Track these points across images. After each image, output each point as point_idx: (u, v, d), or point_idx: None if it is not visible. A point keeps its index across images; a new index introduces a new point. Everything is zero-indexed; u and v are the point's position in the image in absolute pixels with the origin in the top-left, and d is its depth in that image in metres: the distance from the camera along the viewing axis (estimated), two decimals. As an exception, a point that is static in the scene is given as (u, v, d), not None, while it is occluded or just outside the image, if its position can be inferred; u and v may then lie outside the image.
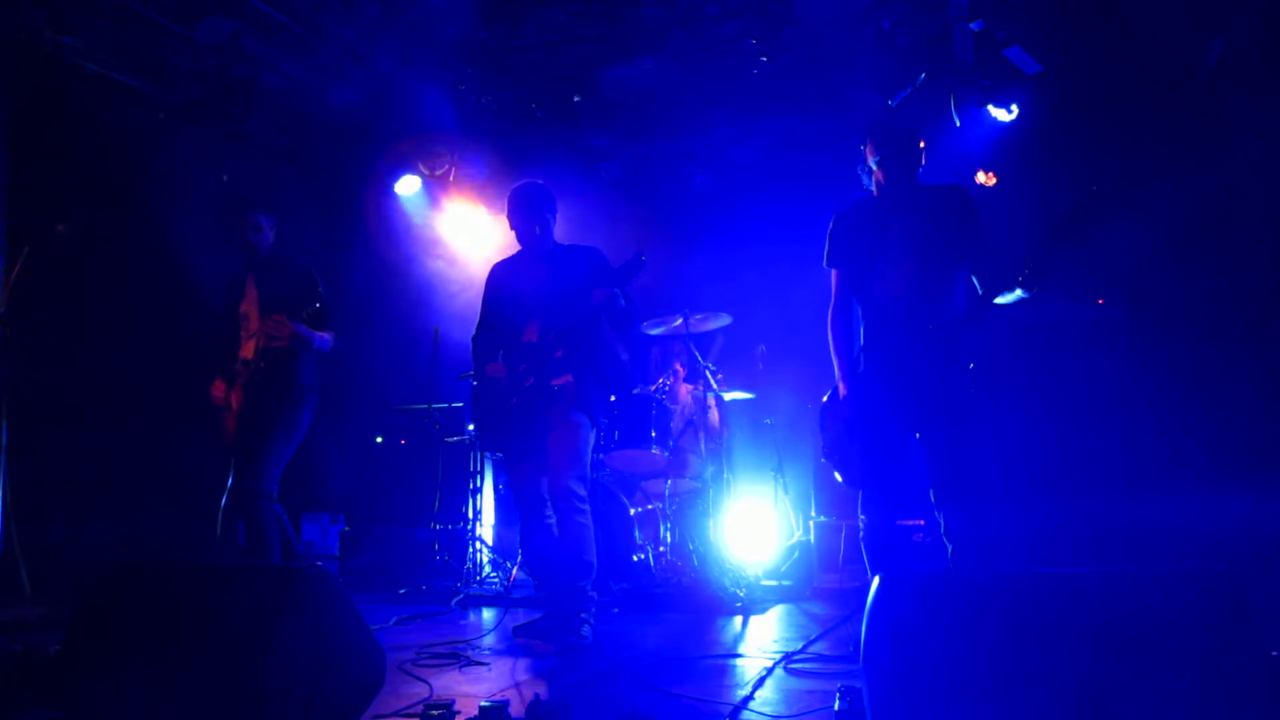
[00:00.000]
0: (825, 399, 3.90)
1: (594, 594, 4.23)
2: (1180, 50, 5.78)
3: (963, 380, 3.57)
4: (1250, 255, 5.30)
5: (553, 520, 4.33)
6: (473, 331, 4.57)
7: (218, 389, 4.56)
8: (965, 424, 3.55)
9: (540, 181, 4.50)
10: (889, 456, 3.66)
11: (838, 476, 3.83)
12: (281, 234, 4.75)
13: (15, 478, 4.76)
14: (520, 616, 4.76)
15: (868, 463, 3.68)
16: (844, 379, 3.76)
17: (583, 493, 4.21)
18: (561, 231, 4.62)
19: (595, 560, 4.24)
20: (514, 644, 4.18)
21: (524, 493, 4.36)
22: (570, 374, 4.21)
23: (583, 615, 4.11)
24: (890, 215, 3.73)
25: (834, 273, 3.89)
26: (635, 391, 6.31)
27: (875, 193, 3.84)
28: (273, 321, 4.25)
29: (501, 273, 4.57)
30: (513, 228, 4.43)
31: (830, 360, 3.85)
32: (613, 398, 5.92)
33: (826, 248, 3.89)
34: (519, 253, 4.52)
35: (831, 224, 3.90)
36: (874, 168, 3.78)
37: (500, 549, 6.56)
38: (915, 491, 3.72)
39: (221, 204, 6.51)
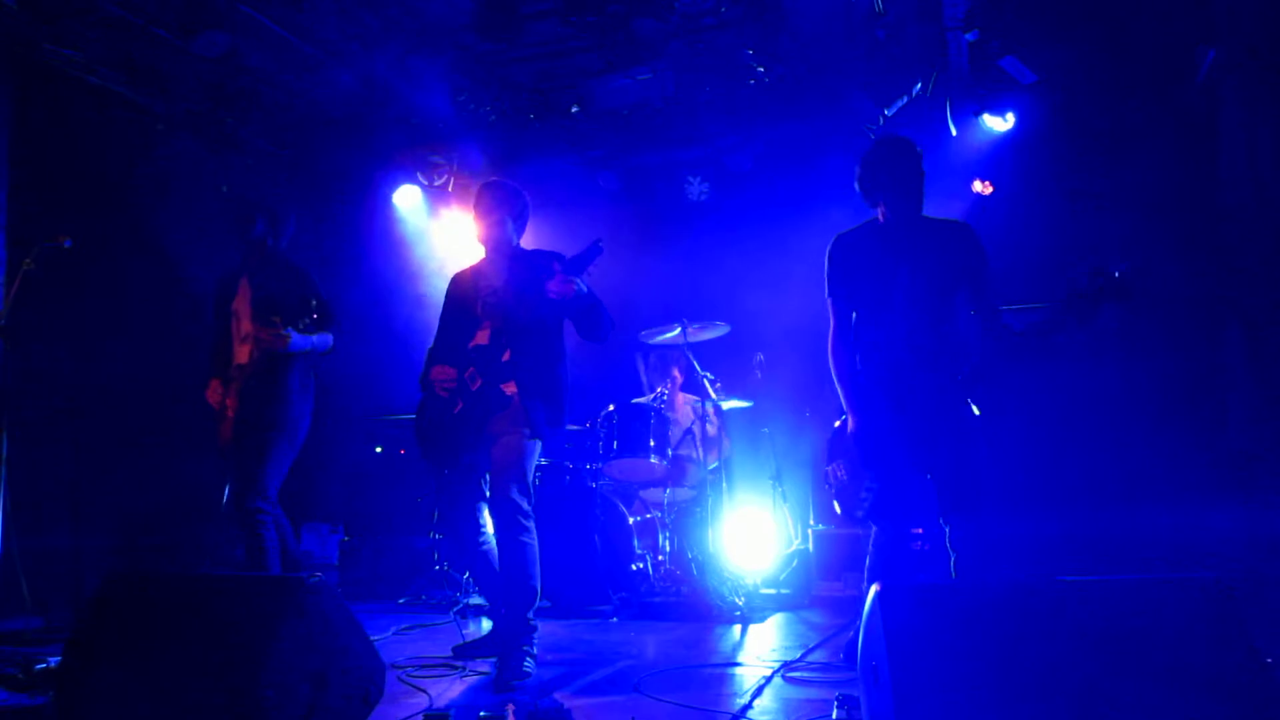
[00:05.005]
0: (836, 425, 3.87)
1: (536, 622, 3.90)
2: (1173, 60, 5.81)
3: (968, 422, 3.56)
4: (1245, 264, 5.32)
5: (489, 545, 4.09)
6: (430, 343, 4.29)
7: (214, 391, 4.43)
8: (969, 458, 3.52)
9: (512, 183, 4.27)
10: (900, 486, 3.62)
11: (836, 508, 3.82)
12: (292, 240, 4.62)
13: (15, 488, 4.76)
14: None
15: (880, 496, 3.64)
16: (851, 411, 3.68)
17: (526, 507, 3.87)
18: (557, 242, 4.55)
19: (539, 584, 3.90)
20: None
21: (457, 515, 4.08)
22: (516, 380, 3.90)
23: (524, 648, 3.74)
24: (897, 250, 3.63)
25: (833, 302, 3.77)
26: (634, 401, 6.32)
27: (880, 217, 3.74)
28: (269, 329, 4.15)
29: (461, 278, 4.31)
30: (477, 226, 4.18)
31: (831, 381, 3.80)
32: (571, 426, 5.80)
33: (826, 273, 3.77)
34: (481, 259, 4.29)
35: (830, 248, 3.78)
36: (879, 199, 3.68)
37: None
38: (917, 502, 3.71)
39: (222, 213, 6.52)
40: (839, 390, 3.73)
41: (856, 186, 3.77)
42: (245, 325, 4.39)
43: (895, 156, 3.66)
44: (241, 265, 4.56)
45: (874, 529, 3.75)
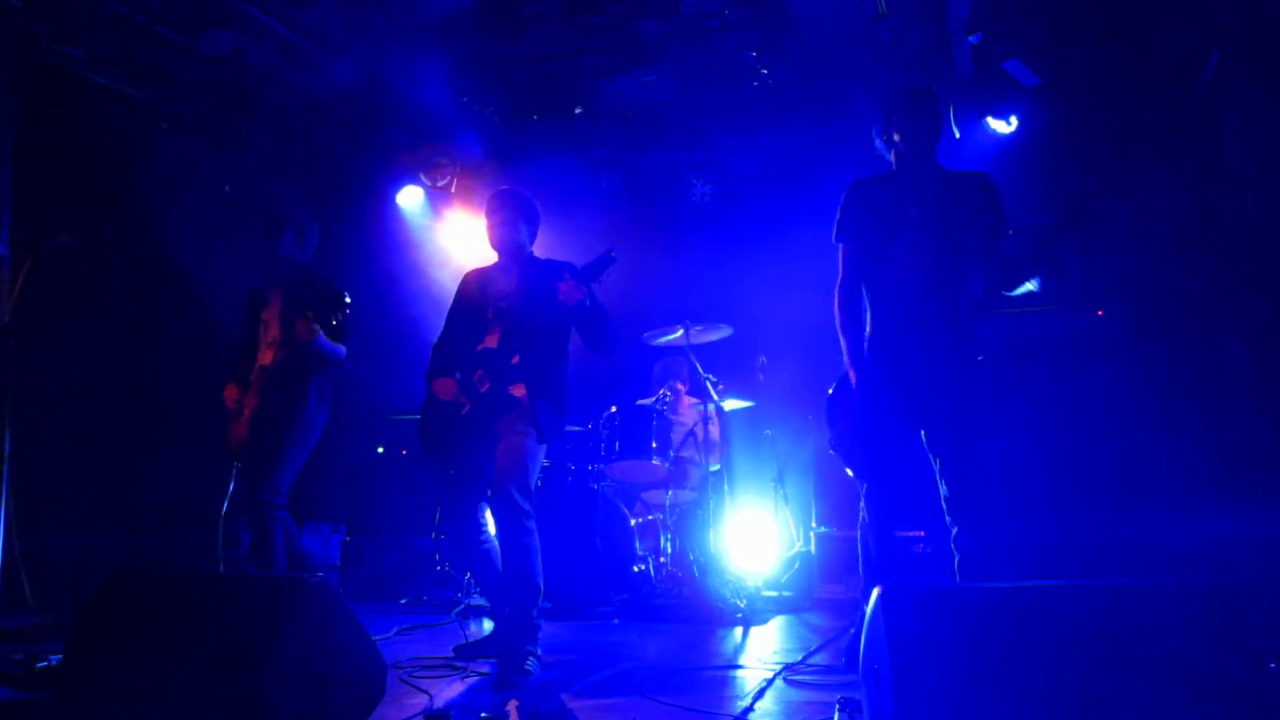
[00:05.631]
0: (832, 390, 3.74)
1: (540, 621, 3.92)
2: (1177, 62, 5.81)
3: (970, 375, 3.46)
4: (1249, 265, 5.31)
5: (490, 545, 4.10)
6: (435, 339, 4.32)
7: (231, 393, 4.53)
8: (973, 421, 3.43)
9: (525, 190, 4.34)
10: (894, 456, 3.52)
11: (849, 471, 3.71)
12: (319, 251, 4.71)
13: (17, 485, 4.77)
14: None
15: (873, 461, 3.55)
16: (852, 365, 3.58)
17: (528, 506, 3.87)
18: (561, 243, 4.57)
19: (542, 582, 3.91)
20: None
21: (460, 515, 4.08)
22: (525, 383, 3.93)
23: (528, 647, 3.76)
24: (908, 195, 3.56)
25: (842, 247, 3.68)
26: (637, 403, 6.32)
27: (894, 164, 3.67)
28: (302, 321, 4.18)
29: (471, 279, 4.35)
30: (489, 231, 4.25)
31: (830, 352, 3.72)
32: (573, 428, 5.85)
33: (838, 218, 3.67)
34: (493, 263, 4.34)
35: (845, 193, 3.69)
36: (895, 138, 3.60)
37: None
38: (918, 500, 3.67)
39: (225, 211, 6.53)
40: (842, 341, 3.64)
41: (875, 135, 3.71)
42: (274, 331, 4.50)
43: (912, 100, 3.60)
44: (271, 278, 4.67)
45: (862, 521, 3.66)
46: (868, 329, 3.60)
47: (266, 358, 4.46)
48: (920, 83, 3.69)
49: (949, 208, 3.52)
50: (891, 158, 3.68)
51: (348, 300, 4.29)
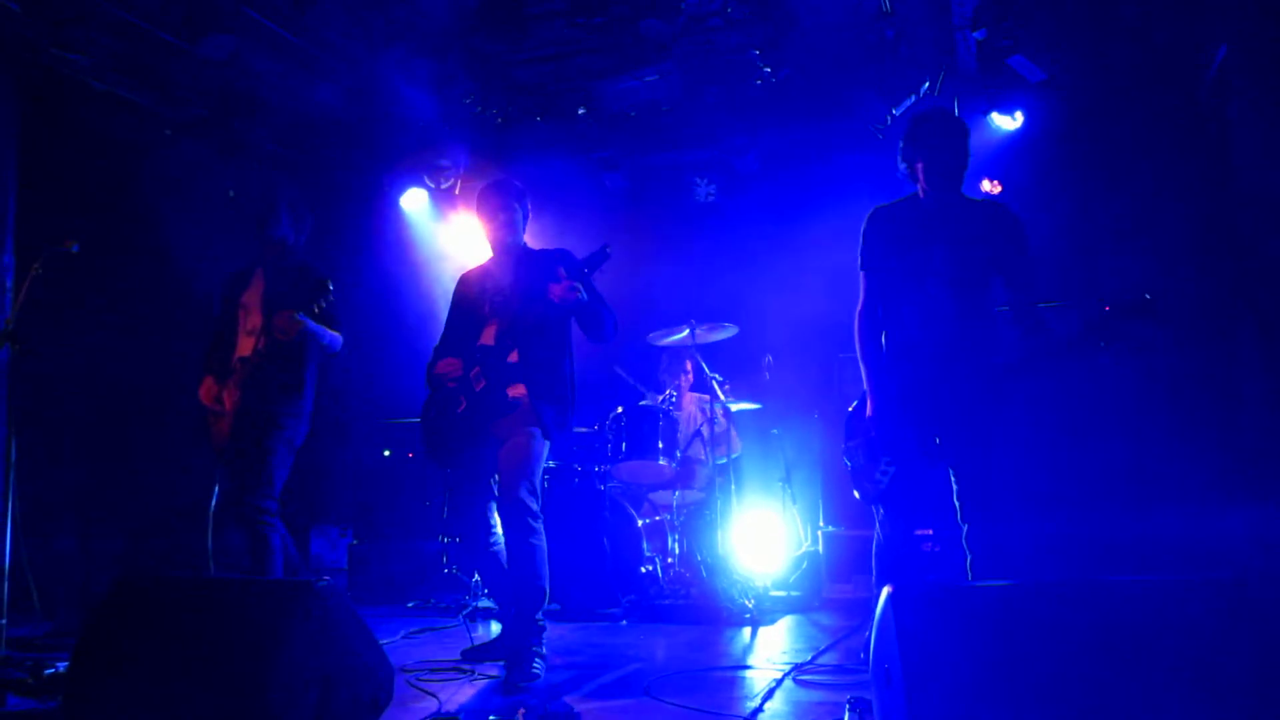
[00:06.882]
0: (851, 408, 3.75)
1: (545, 623, 3.86)
2: (1183, 56, 5.78)
3: (994, 394, 3.42)
4: (1259, 261, 5.28)
5: (498, 547, 4.04)
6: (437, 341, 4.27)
7: (207, 389, 4.24)
8: (994, 454, 3.42)
9: (515, 181, 4.27)
10: (912, 479, 3.52)
11: (855, 494, 3.72)
12: (310, 241, 4.53)
13: (24, 492, 4.76)
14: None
15: (892, 483, 3.54)
16: (872, 393, 3.57)
17: (535, 507, 3.83)
18: (564, 244, 4.53)
19: (548, 584, 3.87)
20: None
21: (467, 516, 4.05)
22: (524, 383, 3.88)
23: (534, 648, 3.74)
24: (934, 231, 3.50)
25: (864, 274, 3.65)
26: (642, 403, 6.30)
27: (920, 193, 3.61)
28: (284, 317, 4.00)
29: (469, 278, 4.30)
30: (487, 229, 4.18)
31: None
32: (580, 429, 5.83)
33: (861, 246, 3.65)
34: (489, 259, 4.28)
35: (867, 221, 3.65)
36: (919, 168, 3.54)
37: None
38: (928, 500, 3.65)
39: (240, 210, 6.51)
40: (861, 368, 3.62)
41: (899, 159, 3.63)
42: (255, 319, 4.25)
43: (941, 130, 3.52)
44: (256, 260, 4.44)
45: (878, 522, 3.66)
46: (887, 355, 3.59)
47: (246, 348, 4.18)
48: (942, 106, 3.56)
49: (974, 243, 3.47)
50: (918, 185, 3.60)
51: (330, 286, 4.07)
